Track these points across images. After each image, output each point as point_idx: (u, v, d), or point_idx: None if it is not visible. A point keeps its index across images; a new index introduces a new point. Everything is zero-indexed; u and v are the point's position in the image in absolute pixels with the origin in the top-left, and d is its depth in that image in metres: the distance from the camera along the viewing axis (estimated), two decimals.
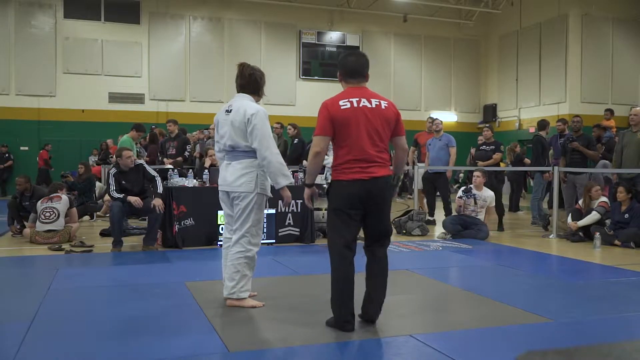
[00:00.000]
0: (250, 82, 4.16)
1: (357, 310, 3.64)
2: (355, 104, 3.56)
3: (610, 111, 13.84)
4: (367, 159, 3.54)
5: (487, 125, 10.73)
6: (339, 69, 3.76)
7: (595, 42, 17.52)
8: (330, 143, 3.62)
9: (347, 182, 3.54)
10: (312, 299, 4.43)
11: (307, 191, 3.79)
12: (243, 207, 4.05)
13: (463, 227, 7.99)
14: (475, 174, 8.27)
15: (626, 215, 7.48)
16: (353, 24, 19.35)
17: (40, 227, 7.40)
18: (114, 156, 7.44)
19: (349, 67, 3.69)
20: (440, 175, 9.55)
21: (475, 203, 8.05)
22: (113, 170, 6.89)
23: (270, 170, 4.00)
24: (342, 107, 3.55)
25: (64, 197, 7.82)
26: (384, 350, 3.33)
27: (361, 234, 3.76)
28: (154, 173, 6.97)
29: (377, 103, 3.61)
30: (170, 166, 9.22)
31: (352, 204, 3.55)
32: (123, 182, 6.81)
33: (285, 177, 4.01)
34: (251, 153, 4.05)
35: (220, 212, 6.92)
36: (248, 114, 3.98)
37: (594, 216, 7.67)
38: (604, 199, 7.90)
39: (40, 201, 7.69)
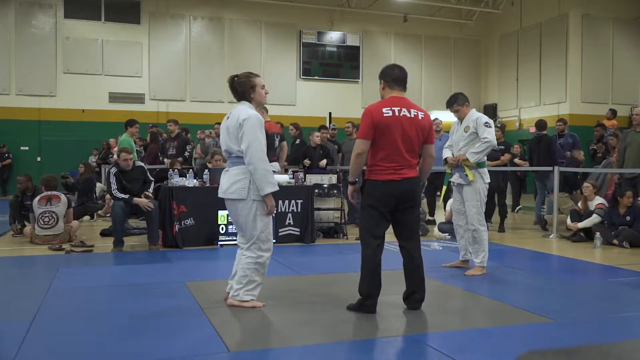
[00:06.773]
0: (234, 90, 4.19)
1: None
2: (396, 113, 3.93)
3: (612, 111, 13.82)
4: (400, 163, 3.93)
5: (497, 125, 10.65)
6: (383, 78, 4.11)
7: (595, 42, 17.50)
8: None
9: (382, 182, 3.93)
10: (312, 298, 4.44)
11: (350, 188, 4.19)
12: (245, 215, 4.05)
13: None
14: None
15: (628, 217, 7.45)
16: (353, 24, 19.33)
17: (40, 231, 7.33)
18: (115, 155, 7.49)
19: (395, 76, 4.08)
20: (440, 176, 9.48)
21: None
22: (114, 170, 6.88)
23: (255, 176, 3.98)
24: (384, 115, 3.92)
25: (64, 198, 7.60)
26: (384, 350, 3.33)
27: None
28: (151, 178, 7.23)
29: (415, 113, 4.00)
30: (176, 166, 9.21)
31: (385, 202, 3.95)
32: (124, 181, 6.82)
33: (270, 184, 3.98)
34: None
35: (220, 212, 6.93)
36: (241, 119, 4.01)
37: (594, 219, 7.66)
38: (601, 200, 7.88)
39: (37, 200, 7.43)
